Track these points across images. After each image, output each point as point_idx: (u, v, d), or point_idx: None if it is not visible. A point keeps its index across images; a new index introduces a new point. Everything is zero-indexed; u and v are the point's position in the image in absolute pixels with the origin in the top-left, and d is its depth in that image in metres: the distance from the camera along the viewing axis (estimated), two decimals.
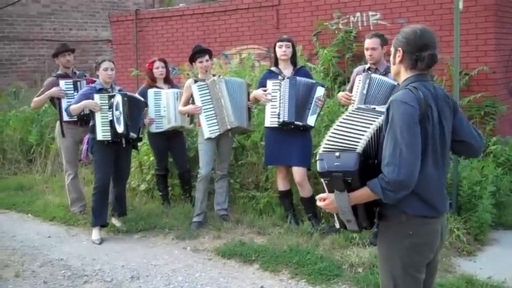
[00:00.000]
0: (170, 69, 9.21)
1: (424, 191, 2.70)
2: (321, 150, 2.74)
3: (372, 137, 2.72)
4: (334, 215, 2.91)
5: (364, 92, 5.39)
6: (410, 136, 2.59)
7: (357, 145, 2.65)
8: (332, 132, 2.76)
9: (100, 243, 6.06)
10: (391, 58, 2.93)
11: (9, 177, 9.33)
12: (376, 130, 2.75)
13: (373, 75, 5.46)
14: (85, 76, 7.10)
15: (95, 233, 6.17)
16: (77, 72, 7.17)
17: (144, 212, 6.83)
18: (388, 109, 2.70)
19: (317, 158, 2.72)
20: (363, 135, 2.68)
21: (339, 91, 6.85)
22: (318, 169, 2.69)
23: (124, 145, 6.10)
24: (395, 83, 5.30)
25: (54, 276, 5.22)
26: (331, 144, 2.71)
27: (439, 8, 7.75)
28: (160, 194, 7.13)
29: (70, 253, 5.83)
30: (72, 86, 6.83)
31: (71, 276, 5.20)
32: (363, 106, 2.96)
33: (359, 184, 2.65)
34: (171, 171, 7.21)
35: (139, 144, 6.64)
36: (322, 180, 2.77)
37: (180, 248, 5.83)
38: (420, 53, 2.77)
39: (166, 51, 10.50)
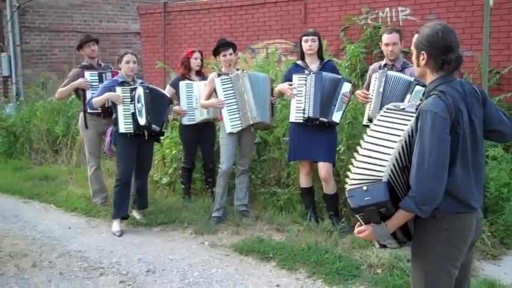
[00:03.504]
0: None
1: (455, 190, 2.73)
2: (348, 185, 2.76)
3: (402, 146, 2.72)
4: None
5: (381, 90, 5.29)
6: (439, 150, 2.62)
7: (381, 174, 2.66)
8: (357, 160, 2.77)
9: (120, 235, 6.06)
10: (414, 59, 2.90)
11: (35, 167, 9.45)
12: (408, 136, 2.76)
13: (389, 72, 5.37)
14: (110, 68, 7.11)
15: (116, 225, 6.17)
16: (102, 64, 7.17)
17: (165, 206, 6.81)
18: (417, 117, 2.69)
19: (346, 196, 2.75)
20: (387, 160, 2.67)
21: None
22: (351, 206, 2.74)
23: (146, 137, 6.08)
24: (412, 79, 5.21)
25: (71, 268, 5.23)
26: (357, 178, 2.72)
27: (471, 4, 7.53)
28: (183, 187, 7.10)
29: (89, 245, 5.84)
30: (97, 78, 6.84)
31: (87, 268, 5.21)
32: (391, 107, 2.90)
33: (393, 210, 2.72)
34: (196, 165, 7.17)
35: (162, 138, 6.60)
36: (356, 215, 2.81)
37: (198, 243, 5.79)
38: (446, 56, 2.74)
39: (194, 45, 10.41)
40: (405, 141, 2.74)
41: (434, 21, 2.82)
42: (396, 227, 2.78)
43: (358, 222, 2.89)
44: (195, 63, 6.83)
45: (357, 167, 2.74)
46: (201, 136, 6.86)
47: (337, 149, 6.08)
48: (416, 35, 2.87)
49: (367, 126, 5.58)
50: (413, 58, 2.90)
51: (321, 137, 5.73)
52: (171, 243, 5.81)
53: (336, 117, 5.68)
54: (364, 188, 2.66)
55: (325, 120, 5.64)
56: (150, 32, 11.39)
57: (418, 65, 2.88)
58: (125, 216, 6.26)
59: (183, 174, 7.09)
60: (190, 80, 6.79)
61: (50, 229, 6.39)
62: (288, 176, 6.68)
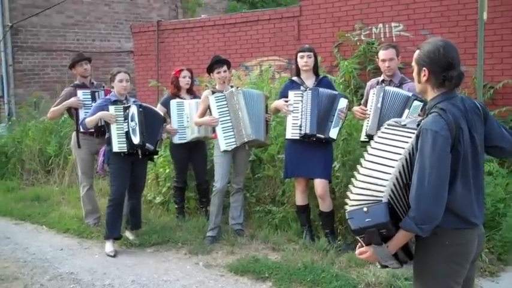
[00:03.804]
0: None
1: (456, 207, 2.71)
2: (348, 206, 2.74)
3: (402, 165, 2.71)
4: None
5: (379, 105, 5.25)
6: (440, 169, 2.60)
7: (381, 195, 2.64)
8: (357, 180, 2.75)
9: (114, 256, 5.96)
10: (415, 75, 2.88)
11: (26, 188, 9.34)
12: (409, 153, 2.74)
13: (387, 87, 5.34)
14: (103, 87, 7.04)
15: (109, 246, 6.07)
16: (95, 82, 7.12)
17: (158, 225, 6.71)
18: (418, 136, 2.68)
19: (347, 217, 2.72)
20: (387, 180, 2.65)
21: (359, 104, 6.68)
22: (351, 227, 2.71)
23: (140, 157, 6.00)
24: (410, 94, 5.18)
25: None
26: (357, 199, 2.70)
27: (464, 19, 7.56)
28: (176, 206, 7.02)
29: (81, 266, 5.73)
30: (90, 96, 6.76)
31: None
32: (392, 123, 2.88)
33: (394, 230, 2.70)
34: (188, 184, 7.09)
35: (155, 156, 6.52)
36: (357, 237, 2.79)
37: (193, 263, 5.68)
38: (447, 73, 2.73)
39: (187, 63, 10.42)
40: (406, 160, 2.71)
41: (434, 37, 2.81)
42: (397, 248, 2.75)
43: (359, 244, 2.84)
44: (183, 81, 6.78)
45: (357, 187, 2.72)
46: (192, 155, 6.80)
47: (333, 165, 6.02)
48: (417, 51, 2.85)
49: (365, 142, 5.60)
50: (414, 74, 2.88)
51: (317, 154, 5.67)
52: (165, 264, 5.71)
53: (333, 133, 5.62)
54: (365, 209, 2.63)
55: (322, 136, 5.58)
56: (144, 51, 11.39)
57: (419, 81, 2.86)
58: (118, 236, 6.16)
59: (175, 194, 7.00)
60: (181, 98, 6.74)
61: (42, 251, 6.27)
62: (283, 194, 6.61)
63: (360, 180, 2.72)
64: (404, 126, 2.83)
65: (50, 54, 13.63)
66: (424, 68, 2.79)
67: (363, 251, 2.80)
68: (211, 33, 10.34)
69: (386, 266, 2.88)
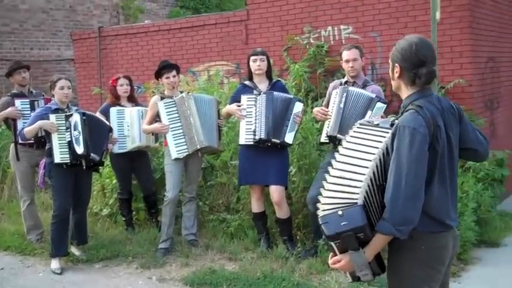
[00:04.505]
0: (135, 87, 8.82)
1: (431, 209, 2.60)
2: (320, 210, 2.55)
3: (376, 165, 2.56)
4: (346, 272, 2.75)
5: (341, 105, 5.12)
6: (417, 168, 2.49)
7: (356, 197, 2.47)
8: (328, 183, 2.58)
9: (61, 273, 5.60)
10: (390, 72, 2.80)
11: None
12: (382, 154, 2.60)
13: (351, 88, 5.23)
14: (43, 95, 6.65)
15: (55, 263, 5.71)
16: (34, 91, 6.70)
17: (106, 239, 6.36)
18: (393, 134, 2.56)
19: (320, 222, 2.52)
20: (361, 181, 2.49)
21: (312, 107, 6.55)
22: (326, 233, 2.51)
23: (84, 167, 5.64)
24: (373, 96, 5.08)
25: None
26: (330, 202, 2.53)
27: (413, 21, 7.54)
28: (123, 219, 6.69)
29: (24, 286, 5.37)
30: (28, 106, 6.35)
31: None
32: (364, 123, 2.75)
33: (371, 234, 2.54)
34: (135, 194, 6.78)
35: (101, 168, 6.17)
36: (331, 243, 2.59)
37: (145, 278, 5.39)
38: (417, 70, 2.63)
39: (131, 69, 10.09)
40: (379, 160, 2.57)
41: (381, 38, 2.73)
42: (375, 253, 2.59)
43: (331, 253, 2.66)
44: (121, 90, 6.46)
45: (329, 190, 2.55)
46: (135, 165, 6.49)
47: (289, 170, 5.85)
48: (393, 48, 2.76)
49: (325, 143, 5.46)
50: (390, 71, 2.80)
51: (272, 159, 5.48)
52: (115, 280, 5.39)
53: (289, 138, 5.45)
54: (339, 212, 2.46)
55: (277, 141, 5.40)
56: (85, 58, 10.96)
57: (393, 78, 2.77)
58: (65, 254, 5.79)
59: (121, 206, 6.68)
60: (122, 106, 6.43)
61: None
62: (238, 201, 6.38)
63: (331, 183, 2.55)
64: (377, 125, 2.71)
65: None
66: (396, 64, 2.71)
67: (337, 259, 2.62)
68: (156, 38, 10.02)
69: (358, 279, 2.70)
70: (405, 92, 2.73)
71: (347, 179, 2.51)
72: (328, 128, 5.21)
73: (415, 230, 2.55)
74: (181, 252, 5.83)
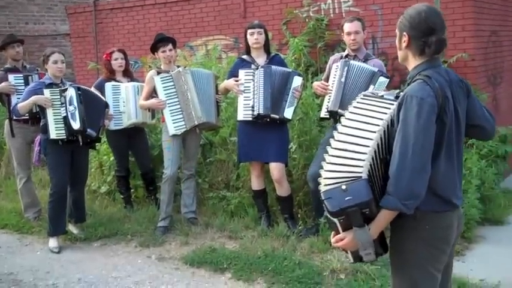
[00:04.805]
0: (132, 62, 8.64)
1: (437, 186, 2.48)
2: (322, 185, 2.41)
3: (380, 137, 2.43)
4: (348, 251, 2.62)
5: (343, 80, 4.98)
6: (424, 139, 2.37)
7: (360, 170, 2.35)
8: (330, 155, 2.45)
9: (59, 252, 5.53)
10: (397, 42, 2.67)
11: None
12: (387, 126, 2.47)
13: (352, 61, 5.08)
14: (37, 70, 6.50)
15: (53, 241, 5.63)
16: (28, 66, 6.55)
17: (105, 217, 6.27)
18: (400, 104, 2.43)
19: (323, 197, 2.38)
20: (365, 153, 2.37)
21: (312, 82, 6.41)
22: (329, 209, 2.38)
23: (81, 143, 5.51)
24: (376, 70, 4.94)
25: None
26: (332, 177, 2.40)
27: None
28: (122, 196, 6.59)
29: (22, 266, 5.27)
30: (22, 81, 6.21)
31: None
32: (368, 94, 2.63)
33: (376, 210, 2.42)
34: (133, 171, 6.67)
35: (98, 144, 6.05)
36: (335, 219, 2.45)
37: (144, 257, 5.31)
38: (427, 38, 2.51)
39: (128, 44, 9.91)
40: (384, 132, 2.45)
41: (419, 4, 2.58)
42: (380, 230, 2.49)
43: (333, 231, 2.55)
44: (116, 64, 6.28)
45: (331, 164, 2.42)
46: (131, 142, 6.36)
47: (289, 147, 5.74)
48: (400, 17, 2.63)
49: (325, 119, 5.33)
50: (397, 41, 2.66)
51: (271, 136, 5.36)
52: (114, 259, 5.31)
53: (288, 113, 5.31)
54: (343, 187, 2.33)
55: (276, 116, 5.27)
56: (80, 33, 10.75)
57: (400, 48, 2.64)
58: (63, 232, 5.70)
59: (119, 183, 6.58)
60: (117, 81, 6.27)
61: None
62: (238, 179, 6.27)
63: (333, 155, 2.43)
64: (381, 97, 2.61)
65: None
66: (404, 33, 2.58)
67: (340, 237, 2.51)
68: (153, 12, 9.82)
69: (360, 259, 2.58)
70: (412, 62, 2.60)
71: (350, 151, 2.40)
72: (329, 103, 5.07)
73: (418, 210, 2.45)
74: (180, 230, 5.75)
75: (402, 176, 2.34)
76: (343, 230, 2.48)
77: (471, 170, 5.61)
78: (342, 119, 2.53)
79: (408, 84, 2.55)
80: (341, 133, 2.47)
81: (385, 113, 2.50)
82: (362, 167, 2.35)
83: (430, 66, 2.53)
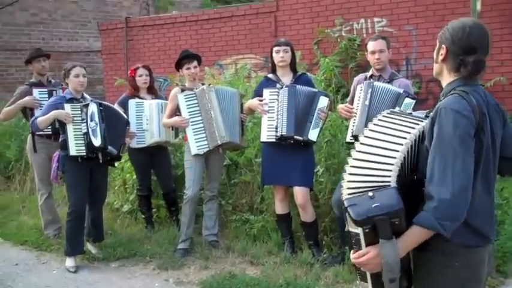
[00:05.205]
0: (161, 80, 8.56)
1: (473, 216, 2.21)
2: (345, 193, 2.18)
3: (408, 150, 2.21)
4: (368, 276, 2.32)
5: (367, 103, 4.72)
6: (464, 154, 2.12)
7: (388, 179, 2.12)
8: (352, 166, 2.22)
9: (75, 272, 5.37)
10: (434, 54, 2.44)
11: None
12: (414, 141, 2.25)
13: (376, 83, 4.81)
14: (61, 85, 6.42)
15: (70, 261, 5.47)
16: (53, 80, 6.48)
17: (125, 237, 6.10)
18: (433, 118, 2.19)
19: (346, 205, 2.13)
20: (392, 164, 2.14)
21: (342, 103, 6.18)
22: (353, 217, 2.11)
23: (101, 161, 5.37)
24: (401, 91, 4.68)
25: None
26: (356, 186, 2.16)
27: (451, 14, 7.13)
28: (143, 216, 6.43)
29: (37, 285, 5.13)
30: (47, 96, 6.13)
31: None
32: (396, 111, 2.43)
33: (405, 225, 2.14)
34: (156, 191, 6.51)
35: (117, 163, 5.91)
36: (358, 230, 2.17)
37: (162, 280, 5.11)
38: (465, 57, 2.28)
39: (158, 61, 9.89)
40: (411, 146, 2.22)
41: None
42: (407, 249, 2.21)
43: (354, 247, 2.27)
44: (140, 80, 6.15)
45: (354, 174, 2.19)
46: (154, 161, 6.20)
47: (315, 170, 5.50)
48: (444, 27, 2.43)
49: (350, 144, 5.08)
50: (434, 52, 2.45)
51: (296, 159, 5.12)
52: (131, 281, 5.13)
53: (313, 135, 5.07)
54: (370, 193, 2.09)
55: (300, 138, 5.03)
56: (112, 49, 10.80)
57: (437, 61, 2.42)
58: (81, 252, 5.56)
59: (140, 203, 6.40)
60: (141, 98, 6.14)
61: None
62: (262, 201, 6.05)
63: (356, 165, 2.20)
64: (409, 114, 2.41)
65: (14, 53, 12.90)
66: (443, 46, 2.36)
67: (362, 252, 2.21)
68: (183, 30, 9.79)
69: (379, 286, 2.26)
70: (447, 78, 2.39)
71: (375, 162, 2.16)
72: (354, 127, 4.83)
73: (450, 243, 2.21)
74: (200, 253, 5.54)
75: (441, 193, 2.09)
76: (367, 245, 2.20)
77: (508, 199, 5.29)
78: (365, 131, 2.31)
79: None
80: (363, 144, 2.25)
81: (413, 128, 2.28)
82: (390, 176, 2.12)
83: (467, 84, 2.30)
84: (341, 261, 5.00)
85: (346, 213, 2.15)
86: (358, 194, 2.14)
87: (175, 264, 5.36)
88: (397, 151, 2.17)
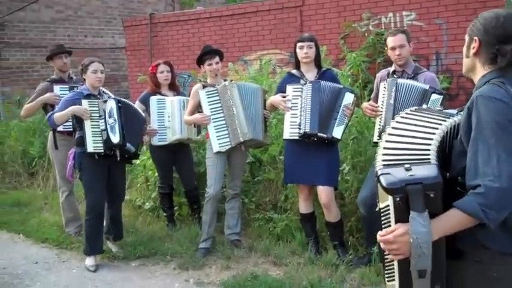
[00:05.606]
0: (185, 76, 8.44)
1: None
2: (378, 165, 2.01)
3: (441, 140, 2.05)
4: (396, 268, 2.07)
5: (391, 101, 4.49)
6: (508, 138, 1.92)
7: (428, 156, 1.95)
8: (387, 140, 2.07)
9: (95, 271, 5.28)
10: (464, 49, 2.24)
11: (8, 192, 8.60)
12: (446, 133, 2.06)
13: (400, 80, 4.59)
14: (83, 81, 6.33)
15: (90, 260, 5.38)
16: (74, 77, 6.40)
17: (146, 235, 5.99)
18: (470, 108, 1.99)
19: (377, 175, 1.98)
20: (431, 139, 1.99)
21: (369, 99, 5.97)
22: (385, 184, 1.92)
23: (118, 158, 5.25)
24: (427, 87, 4.45)
25: None
26: (392, 159, 2.00)
27: (483, 7, 6.84)
28: (164, 214, 6.32)
29: (55, 284, 5.05)
30: (68, 92, 6.02)
31: None
32: (424, 107, 2.28)
33: (441, 206, 1.93)
34: (178, 188, 6.40)
35: (135, 161, 5.81)
36: (389, 202, 1.97)
37: (182, 280, 4.98)
38: (501, 46, 2.07)
39: (182, 57, 9.78)
40: (443, 138, 2.05)
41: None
42: (441, 233, 1.95)
43: (381, 231, 2.06)
44: (162, 77, 6.03)
45: (389, 148, 2.05)
46: (176, 158, 6.08)
47: (341, 168, 5.32)
48: (473, 20, 2.22)
49: (378, 144, 4.86)
50: (464, 48, 2.24)
51: (320, 157, 4.94)
52: (151, 281, 5.01)
53: (337, 132, 4.87)
54: (407, 165, 1.92)
55: (324, 136, 4.84)
56: (136, 45, 10.72)
57: (467, 56, 2.21)
58: (100, 252, 5.46)
59: (162, 201, 6.29)
60: (163, 95, 6.02)
61: (14, 264, 5.58)
62: (286, 200, 5.88)
63: (391, 141, 2.06)
64: (439, 111, 2.25)
65: (40, 50, 12.88)
66: (475, 38, 2.15)
67: (390, 229, 1.99)
68: (208, 25, 9.65)
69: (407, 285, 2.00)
70: (480, 72, 2.17)
71: (413, 137, 2.03)
72: (380, 127, 4.61)
73: (487, 250, 2.01)
74: (222, 253, 5.40)
75: (488, 181, 1.88)
76: (396, 222, 1.98)
77: None
78: (392, 122, 2.16)
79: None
80: (395, 128, 2.13)
81: (445, 120, 2.11)
82: (429, 154, 1.96)
83: (502, 75, 2.09)
84: (367, 262, 4.81)
85: (378, 184, 1.97)
86: (393, 164, 1.98)
87: (196, 264, 5.23)
88: (434, 134, 2.02)
